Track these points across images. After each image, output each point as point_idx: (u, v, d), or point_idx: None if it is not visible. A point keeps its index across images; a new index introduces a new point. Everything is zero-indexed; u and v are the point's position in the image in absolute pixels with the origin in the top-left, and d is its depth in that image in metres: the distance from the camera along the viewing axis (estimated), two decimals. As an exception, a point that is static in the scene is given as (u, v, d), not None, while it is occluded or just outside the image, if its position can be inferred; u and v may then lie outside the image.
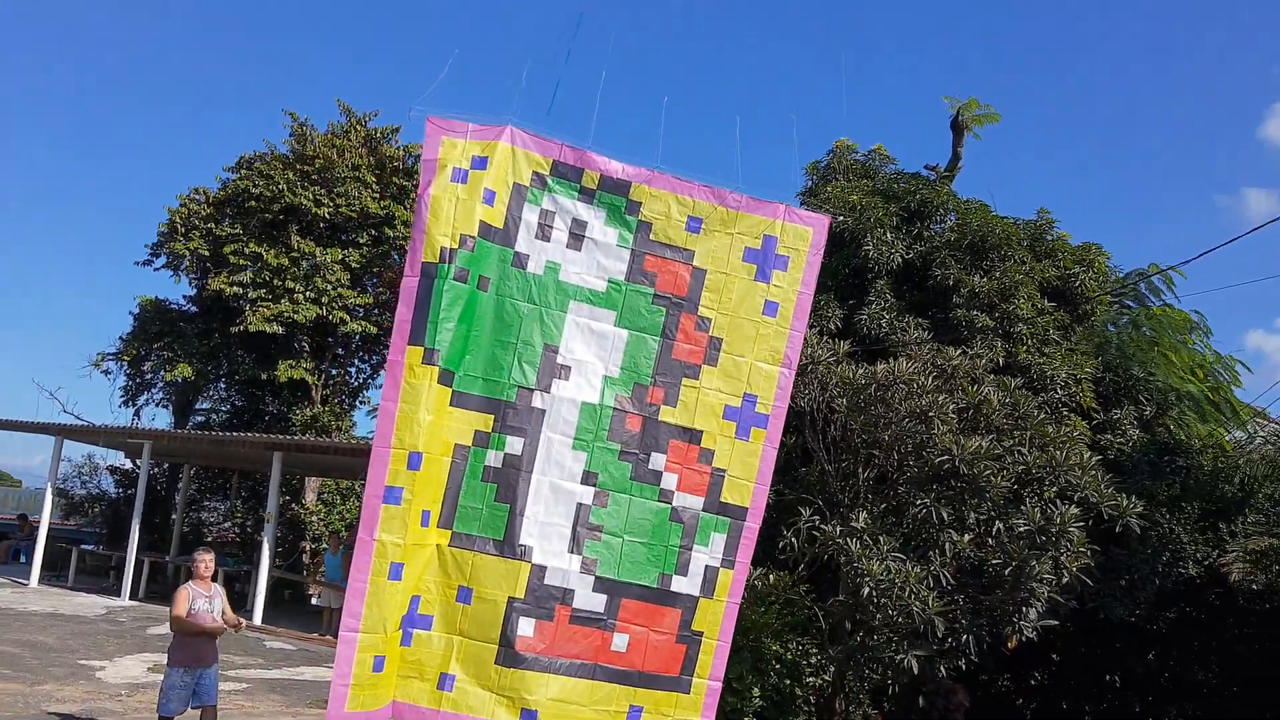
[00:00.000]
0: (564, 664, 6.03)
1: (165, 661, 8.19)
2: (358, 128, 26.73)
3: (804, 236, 6.57)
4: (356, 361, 29.01)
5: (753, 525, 6.40)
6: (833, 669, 10.48)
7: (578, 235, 6.25)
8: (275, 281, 24.34)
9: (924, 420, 10.20)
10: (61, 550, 23.71)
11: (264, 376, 25.26)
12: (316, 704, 11.74)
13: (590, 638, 6.09)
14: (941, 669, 9.94)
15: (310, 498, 25.89)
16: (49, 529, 22.40)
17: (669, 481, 6.28)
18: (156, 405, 28.46)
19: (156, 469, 26.44)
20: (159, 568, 22.87)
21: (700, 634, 6.29)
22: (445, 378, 5.88)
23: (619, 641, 6.15)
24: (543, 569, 6.03)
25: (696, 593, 6.26)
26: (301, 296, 24.35)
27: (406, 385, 5.77)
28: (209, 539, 27.02)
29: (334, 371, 27.63)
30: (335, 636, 18.16)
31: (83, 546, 24.14)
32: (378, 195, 25.96)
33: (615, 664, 6.14)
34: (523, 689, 5.92)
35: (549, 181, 6.23)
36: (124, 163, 66.59)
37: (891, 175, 16.44)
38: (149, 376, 27.33)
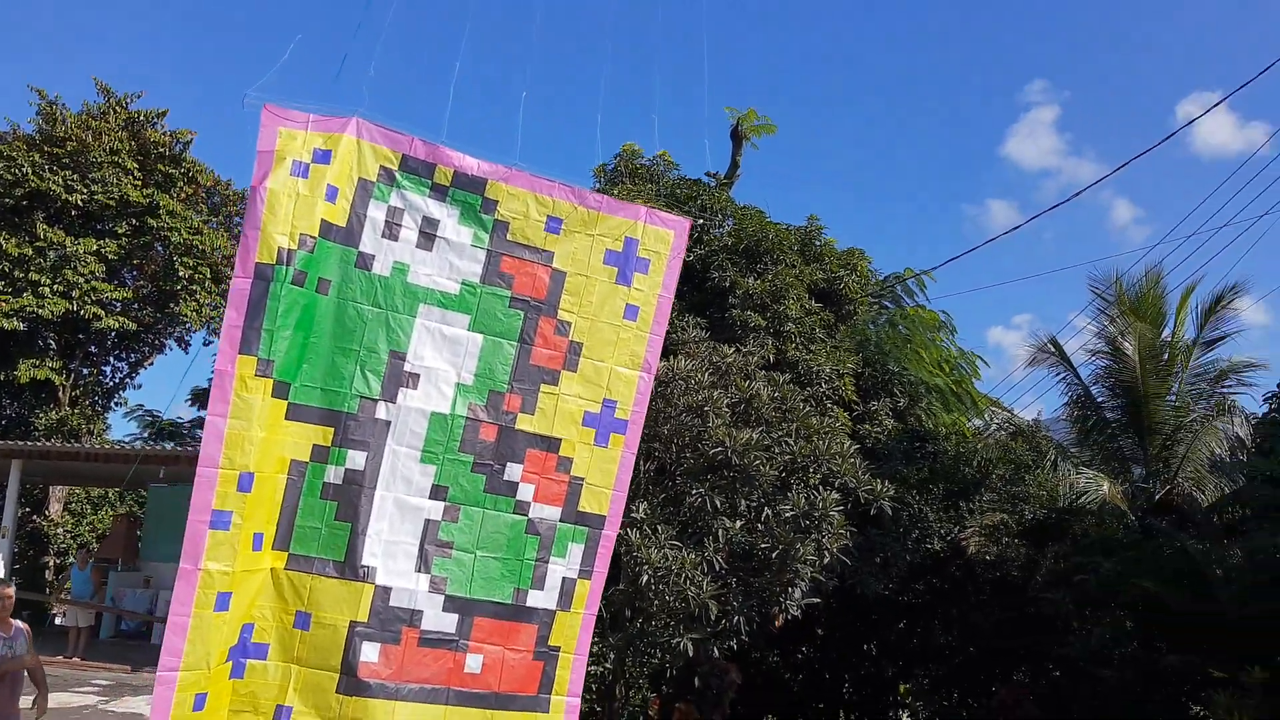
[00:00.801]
0: (412, 689, 5.67)
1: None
2: (117, 109, 24.73)
3: (665, 239, 6.43)
4: (112, 360, 26.84)
5: (610, 533, 6.23)
6: (613, 656, 10.77)
7: (429, 234, 5.85)
8: (16, 273, 22.11)
9: (700, 414, 10.67)
10: None
11: (1, 377, 22.87)
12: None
13: (441, 660, 5.77)
14: (715, 650, 10.43)
15: (55, 508, 23.68)
16: None
17: (525, 493, 6.01)
18: None
19: None
20: None
21: (557, 649, 6.07)
22: (280, 390, 5.42)
23: (472, 662, 5.84)
24: (387, 590, 5.66)
25: (553, 606, 6.02)
26: (48, 289, 22.25)
27: (237, 399, 5.26)
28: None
29: (85, 371, 25.43)
30: (83, 659, 16.68)
31: None
32: (140, 183, 24.11)
33: (469, 686, 5.83)
34: (366, 718, 5.55)
35: (398, 177, 5.81)
36: None
37: (675, 181, 17.02)
38: None
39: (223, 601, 5.23)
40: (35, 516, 23.32)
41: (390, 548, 5.69)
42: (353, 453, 5.64)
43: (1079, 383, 15.01)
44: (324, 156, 5.61)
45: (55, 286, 22.39)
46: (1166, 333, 14.83)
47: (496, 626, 5.91)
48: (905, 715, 13.81)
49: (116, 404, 27.19)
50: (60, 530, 23.10)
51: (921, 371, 15.84)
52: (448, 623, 5.77)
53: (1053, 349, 15.37)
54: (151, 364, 27.32)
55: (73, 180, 23.06)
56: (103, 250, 23.34)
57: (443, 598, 5.78)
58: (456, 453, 5.85)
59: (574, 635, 6.11)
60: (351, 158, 5.69)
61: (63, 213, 23.25)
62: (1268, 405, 11.69)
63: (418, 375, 5.80)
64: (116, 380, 26.94)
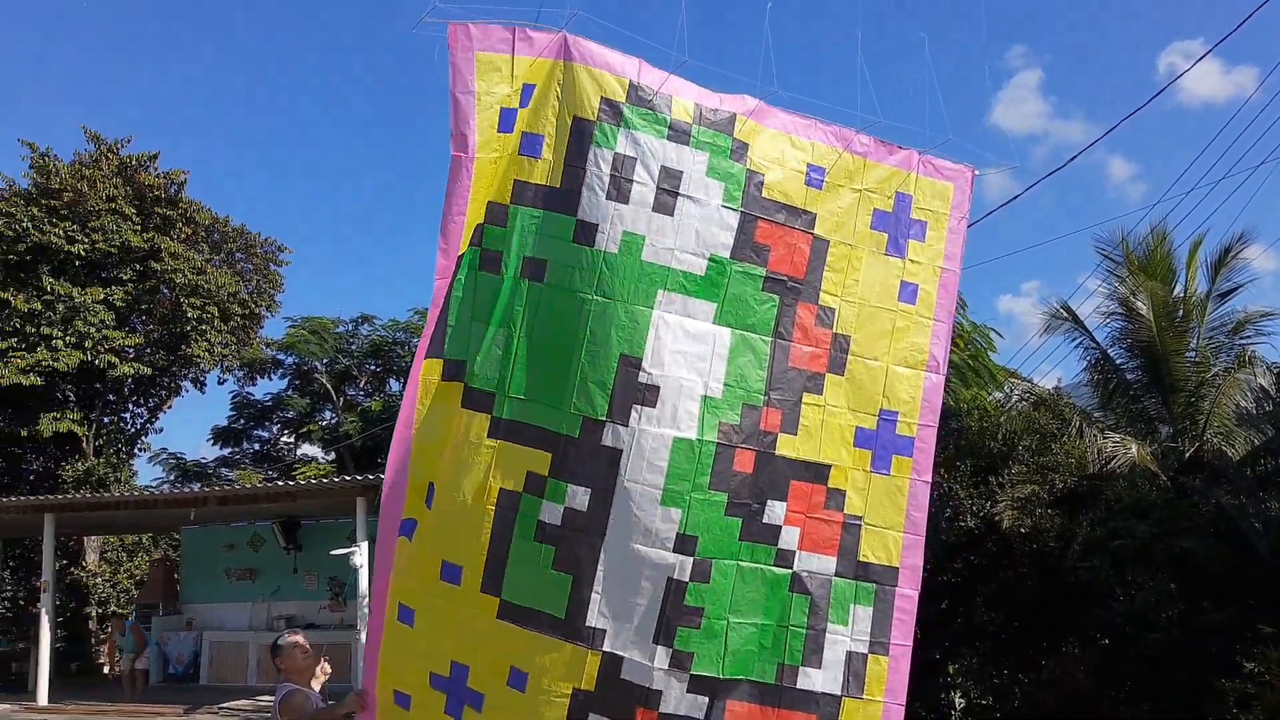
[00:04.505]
0: None
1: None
2: (109, 156, 24.77)
3: (943, 194, 4.96)
4: (131, 406, 26.97)
5: (908, 592, 4.69)
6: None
7: (669, 191, 4.37)
8: (28, 329, 22.23)
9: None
10: None
11: (24, 433, 23.03)
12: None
13: None
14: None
15: (91, 558, 23.85)
16: None
17: (789, 538, 4.51)
18: (-105, 478, 25.36)
19: (-98, 549, 23.54)
20: (-82, 659, 20.42)
21: None
22: (480, 400, 4.35)
23: None
24: (618, 660, 4.36)
25: (837, 691, 4.52)
26: (61, 342, 22.36)
27: (420, 409, 4.43)
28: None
29: (106, 420, 25.54)
30: (141, 702, 16.80)
31: None
32: (139, 228, 24.19)
33: None
34: None
35: (625, 113, 4.35)
36: None
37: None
38: (-117, 446, 24.29)
39: (405, 615, 4.53)
40: (73, 568, 23.51)
41: (623, 610, 4.36)
42: (573, 488, 4.32)
43: (1096, 346, 15.00)
44: (528, 97, 4.34)
45: (68, 338, 22.51)
46: (1179, 289, 14.81)
47: (758, 714, 4.49)
48: (956, 695, 13.86)
49: (140, 449, 27.39)
50: (99, 580, 23.30)
51: (937, 348, 15.84)
52: (693, 706, 4.40)
53: (1066, 314, 15.34)
54: (170, 407, 27.46)
55: (73, 231, 23.15)
56: (110, 298, 23.43)
57: (688, 678, 4.37)
58: (707, 491, 4.38)
59: None
60: (558, 90, 4.35)
61: (67, 264, 23.34)
62: (1288, 353, 11.69)
63: (656, 388, 4.34)
64: (137, 426, 27.09)
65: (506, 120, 4.30)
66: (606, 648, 4.36)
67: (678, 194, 4.39)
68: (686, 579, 4.34)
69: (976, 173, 5.13)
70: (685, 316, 4.39)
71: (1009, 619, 13.14)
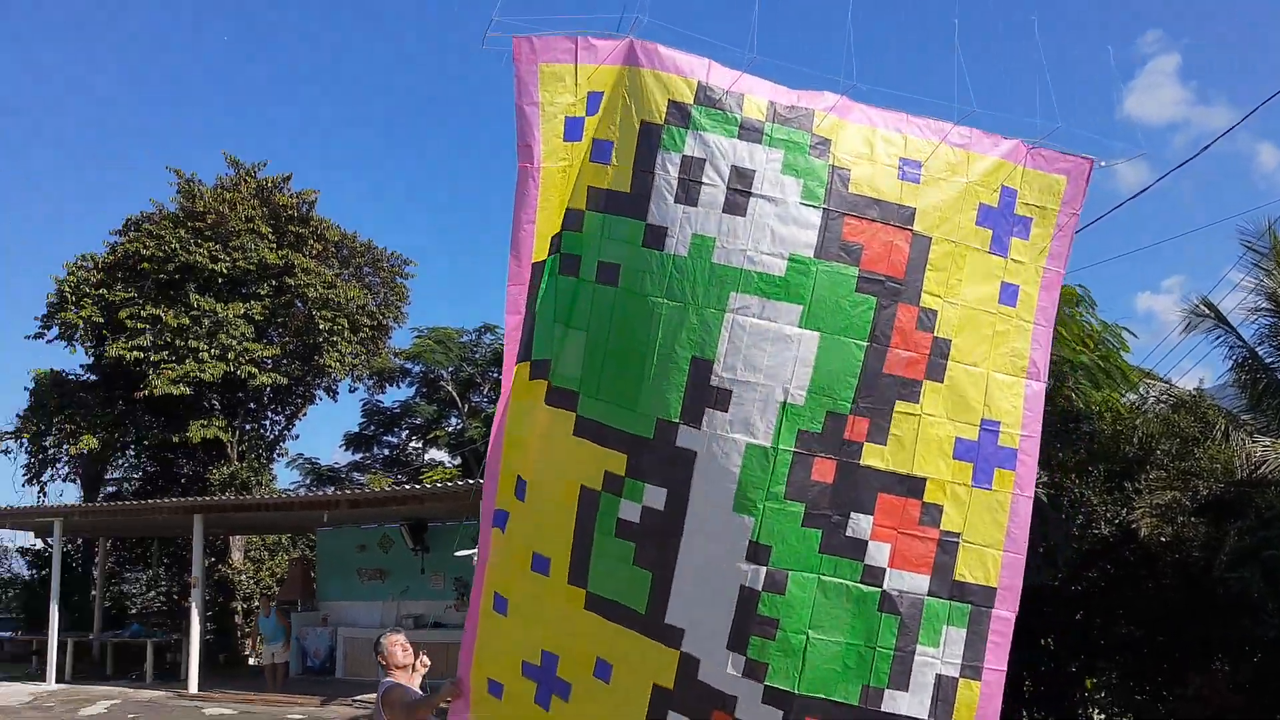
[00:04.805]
0: None
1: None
2: (247, 179, 26.24)
3: (1053, 189, 4.64)
4: (270, 414, 28.46)
5: (1005, 614, 4.41)
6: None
7: (740, 191, 4.26)
8: (177, 342, 23.74)
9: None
10: (-24, 642, 22.70)
11: (175, 439, 24.62)
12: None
13: None
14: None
15: (237, 556, 25.27)
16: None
17: (877, 554, 4.30)
18: (63, 480, 27.46)
19: (70, 546, 25.44)
20: (84, 648, 22.06)
21: None
22: (563, 399, 4.42)
23: None
24: (694, 661, 4.32)
25: (924, 715, 4.29)
26: (206, 355, 23.79)
27: (514, 405, 4.62)
28: (134, 611, 26.09)
29: (248, 427, 27.02)
30: (282, 693, 17.70)
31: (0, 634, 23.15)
32: (275, 245, 25.52)
33: None
34: None
35: (694, 114, 4.28)
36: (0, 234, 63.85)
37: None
38: (51, 452, 26.29)
39: (499, 604, 4.69)
40: (220, 565, 24.98)
41: (699, 612, 4.33)
42: (650, 488, 4.31)
43: (1243, 344, 14.13)
44: (595, 104, 4.36)
45: (212, 351, 23.93)
46: (1335, 281, 13.84)
47: None
48: (1095, 712, 13.28)
49: (279, 454, 28.90)
50: (243, 577, 24.68)
51: (1065, 350, 15.20)
52: (768, 718, 4.26)
53: (1208, 311, 14.49)
54: (305, 415, 28.86)
55: (216, 250, 24.60)
56: (249, 312, 24.80)
57: (762, 688, 4.24)
58: (782, 500, 4.24)
59: None
60: (625, 96, 4.34)
61: (210, 282, 24.81)
62: None
63: (729, 392, 4.22)
64: (276, 432, 28.60)
65: (573, 129, 4.36)
66: (685, 648, 4.33)
67: (750, 194, 4.28)
68: (759, 588, 4.23)
69: (1101, 164, 4.74)
70: (762, 319, 4.25)
71: (1151, 632, 12.50)
